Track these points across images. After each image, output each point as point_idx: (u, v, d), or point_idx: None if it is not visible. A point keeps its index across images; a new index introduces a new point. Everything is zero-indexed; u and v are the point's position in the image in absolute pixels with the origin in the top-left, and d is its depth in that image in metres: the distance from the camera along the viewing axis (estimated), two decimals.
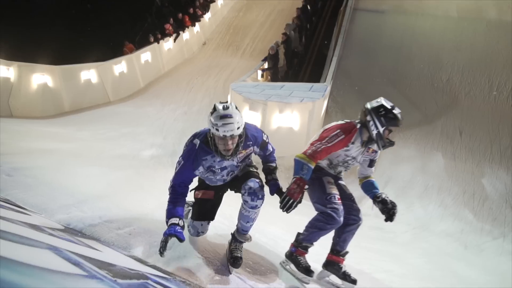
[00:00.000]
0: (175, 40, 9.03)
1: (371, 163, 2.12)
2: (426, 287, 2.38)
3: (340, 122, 2.08)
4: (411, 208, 4.12)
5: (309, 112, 4.37)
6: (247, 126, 1.79)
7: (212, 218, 2.09)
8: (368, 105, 1.94)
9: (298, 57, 8.37)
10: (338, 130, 1.91)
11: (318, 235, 1.95)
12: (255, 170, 1.96)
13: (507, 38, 6.41)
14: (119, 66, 7.59)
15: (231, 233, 2.04)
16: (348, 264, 2.53)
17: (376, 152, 2.07)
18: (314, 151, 1.87)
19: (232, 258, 1.94)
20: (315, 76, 7.38)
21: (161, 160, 4.62)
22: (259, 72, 7.33)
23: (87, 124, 5.97)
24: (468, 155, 4.96)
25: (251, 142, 1.81)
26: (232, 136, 1.62)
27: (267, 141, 1.93)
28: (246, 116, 4.78)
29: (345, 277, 1.97)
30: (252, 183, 1.81)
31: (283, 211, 1.78)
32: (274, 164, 2.01)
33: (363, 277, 2.25)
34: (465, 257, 3.07)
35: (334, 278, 2.07)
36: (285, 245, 2.15)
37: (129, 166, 3.97)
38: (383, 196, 2.04)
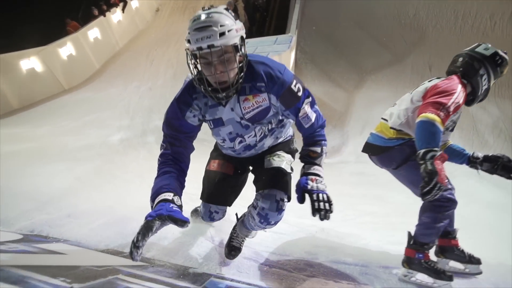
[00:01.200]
0: (123, 9, 8.12)
1: (454, 126, 1.65)
2: (407, 221, 2.48)
3: (441, 78, 1.53)
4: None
5: None
6: (260, 59, 1.19)
7: (228, 203, 1.55)
8: (480, 52, 1.51)
9: (260, 11, 7.81)
10: (458, 84, 1.41)
11: (443, 227, 1.57)
12: (289, 162, 1.39)
13: None
14: (65, 48, 6.80)
15: (236, 214, 1.69)
16: (332, 213, 2.59)
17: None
18: (446, 113, 1.30)
19: (228, 246, 1.66)
20: (280, 29, 6.97)
21: (131, 142, 4.37)
22: None
23: (44, 119, 5.47)
24: None
25: (263, 85, 1.16)
26: (215, 52, 1.01)
27: (300, 94, 1.19)
28: None
29: (471, 259, 1.66)
30: (267, 204, 1.28)
31: (423, 197, 1.23)
32: (317, 148, 1.27)
33: (346, 224, 2.30)
34: None
35: (454, 264, 1.73)
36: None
37: (97, 155, 3.72)
38: (479, 154, 1.68)
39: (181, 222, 0.92)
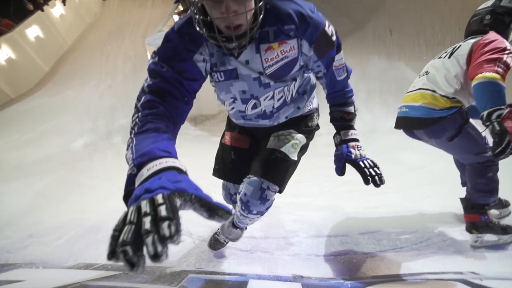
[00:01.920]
0: (63, 1, 7.33)
1: None
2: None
3: (477, 38, 1.43)
4: (360, 115, 4.26)
5: None
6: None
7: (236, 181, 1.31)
8: (507, 5, 1.42)
9: None
10: (503, 39, 1.33)
11: (497, 183, 1.55)
12: (296, 146, 1.16)
13: None
14: (1, 52, 6.11)
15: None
16: (308, 185, 2.60)
17: None
18: (505, 67, 1.23)
19: (212, 238, 1.59)
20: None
21: (96, 146, 4.10)
22: (176, 18, 6.43)
23: None
24: (400, 52, 5.11)
25: (293, 28, 0.90)
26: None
27: (333, 38, 0.97)
28: None
29: (505, 229, 1.58)
30: (249, 190, 1.10)
31: (497, 157, 1.18)
32: (350, 108, 1.13)
33: (323, 197, 2.32)
34: (410, 146, 3.33)
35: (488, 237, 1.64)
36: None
37: (60, 165, 3.46)
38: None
39: (223, 211, 0.51)
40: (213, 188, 1.64)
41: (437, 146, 1.69)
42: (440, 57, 1.59)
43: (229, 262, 1.55)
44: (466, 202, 1.64)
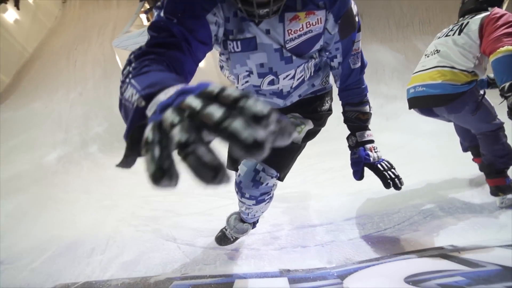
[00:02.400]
0: (16, 5, 6.81)
1: None
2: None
3: (482, 14, 1.51)
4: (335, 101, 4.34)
5: None
6: None
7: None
8: None
9: None
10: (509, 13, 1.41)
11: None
12: (301, 131, 1.08)
13: None
14: None
15: None
16: (291, 176, 2.59)
17: None
18: None
19: (220, 233, 1.57)
20: None
21: (72, 158, 3.92)
22: (144, 17, 6.20)
23: None
24: (372, 36, 5.18)
25: (322, 2, 0.83)
26: None
27: (357, 19, 0.91)
28: None
29: None
30: (243, 171, 1.05)
31: None
32: (365, 107, 1.07)
33: (307, 185, 2.32)
34: (387, 128, 3.41)
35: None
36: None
37: (32, 182, 3.28)
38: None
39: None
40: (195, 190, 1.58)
41: (453, 121, 1.78)
42: (447, 35, 1.65)
43: (216, 263, 1.52)
44: (489, 169, 1.72)
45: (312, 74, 1.05)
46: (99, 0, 8.11)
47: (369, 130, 1.09)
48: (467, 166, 2.10)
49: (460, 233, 1.57)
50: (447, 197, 1.90)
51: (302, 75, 1.00)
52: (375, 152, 1.06)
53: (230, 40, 0.87)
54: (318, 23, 0.85)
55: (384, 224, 1.69)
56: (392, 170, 1.02)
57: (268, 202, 1.18)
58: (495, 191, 1.70)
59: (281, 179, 1.12)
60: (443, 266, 1.12)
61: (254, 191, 1.07)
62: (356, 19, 0.91)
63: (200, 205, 2.20)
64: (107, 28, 7.16)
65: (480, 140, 1.73)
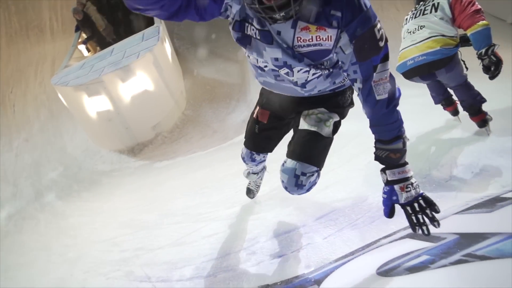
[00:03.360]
0: None
1: None
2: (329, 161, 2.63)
3: None
4: None
5: (153, 63, 3.78)
6: None
7: (266, 151, 1.53)
8: None
9: (120, 8, 6.91)
10: None
11: None
12: (329, 124, 1.13)
13: None
14: None
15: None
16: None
17: None
18: (484, 15, 1.80)
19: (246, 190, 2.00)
20: (152, 19, 6.34)
21: (25, 213, 3.55)
22: (83, 48, 5.88)
23: None
24: None
25: (339, 15, 0.82)
26: None
27: (381, 44, 0.87)
28: (92, 105, 3.89)
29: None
30: (285, 178, 1.14)
31: (493, 79, 1.75)
32: (398, 144, 0.98)
33: (274, 193, 2.29)
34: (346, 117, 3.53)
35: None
36: None
37: None
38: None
39: None
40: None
41: (445, 80, 2.12)
42: (424, 14, 2.02)
43: None
44: (472, 109, 2.10)
45: (331, 72, 1.04)
46: (29, 35, 7.54)
47: (403, 166, 1.00)
48: (422, 143, 2.22)
49: None
50: None
51: (319, 72, 1.01)
52: (407, 191, 0.98)
53: (249, 23, 0.93)
54: (328, 40, 0.86)
55: (356, 215, 1.70)
56: (426, 211, 0.97)
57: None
58: (482, 124, 2.11)
59: (319, 171, 1.19)
60: (410, 247, 1.14)
61: (301, 190, 1.17)
62: (381, 44, 0.86)
63: (170, 236, 2.08)
64: (45, 64, 6.69)
65: (458, 91, 2.13)
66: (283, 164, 1.19)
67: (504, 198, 1.37)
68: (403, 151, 0.99)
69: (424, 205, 0.98)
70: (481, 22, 1.76)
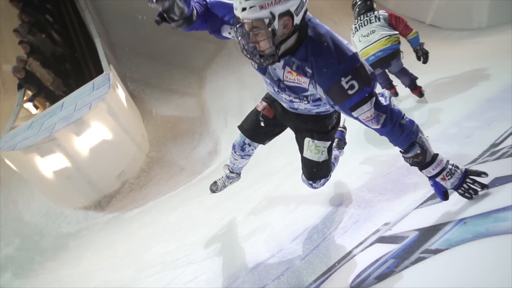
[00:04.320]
0: None
1: None
2: (294, 183, 2.67)
3: (382, 12, 2.74)
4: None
5: (108, 112, 3.69)
6: (323, 38, 1.04)
7: (262, 142, 1.74)
8: None
9: (67, 60, 6.74)
10: None
11: None
12: (324, 152, 1.49)
13: None
14: None
15: None
16: (229, 212, 2.50)
17: None
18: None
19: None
20: (101, 67, 6.23)
21: None
22: (30, 105, 5.60)
23: None
24: None
25: (309, 72, 1.07)
26: (244, 18, 1.00)
27: (351, 92, 1.01)
28: (47, 166, 3.65)
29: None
30: (304, 182, 1.65)
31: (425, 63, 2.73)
32: (415, 151, 1.12)
33: (246, 223, 2.27)
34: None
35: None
36: None
37: None
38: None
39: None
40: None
41: (393, 68, 2.75)
42: (371, 23, 2.70)
43: None
44: (414, 85, 2.78)
45: (314, 103, 1.29)
46: None
47: (434, 162, 1.12)
48: (375, 146, 2.35)
49: (388, 207, 1.69)
50: (370, 177, 2.07)
51: (300, 101, 1.28)
52: (449, 179, 1.11)
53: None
54: (305, 83, 1.14)
55: (328, 228, 1.73)
56: (474, 186, 1.09)
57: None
58: (420, 95, 2.82)
59: (328, 177, 1.65)
60: (379, 252, 1.17)
61: (318, 188, 1.67)
62: (350, 92, 1.02)
63: None
64: None
65: (400, 74, 2.78)
66: (302, 176, 1.65)
67: None
68: (423, 153, 1.11)
69: (470, 182, 1.10)
70: (414, 31, 2.63)
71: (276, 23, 0.98)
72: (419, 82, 2.82)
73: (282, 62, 1.13)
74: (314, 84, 1.11)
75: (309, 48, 1.06)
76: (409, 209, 1.49)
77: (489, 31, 4.64)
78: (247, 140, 1.72)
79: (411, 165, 1.18)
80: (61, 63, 6.51)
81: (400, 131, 1.10)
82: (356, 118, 1.11)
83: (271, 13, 0.96)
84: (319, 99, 1.24)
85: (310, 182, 1.60)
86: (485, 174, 1.09)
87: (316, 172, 1.57)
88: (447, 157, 1.15)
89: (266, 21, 0.98)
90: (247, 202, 2.38)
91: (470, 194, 1.10)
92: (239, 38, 1.07)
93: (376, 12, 2.71)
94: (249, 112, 1.70)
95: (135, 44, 5.86)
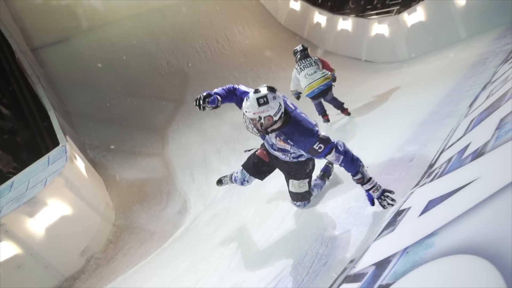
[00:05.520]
0: None
1: None
2: (268, 224, 2.67)
3: (315, 57, 3.84)
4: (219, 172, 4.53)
5: (66, 186, 3.49)
6: (297, 125, 1.79)
7: (261, 179, 2.33)
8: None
9: (17, 132, 6.42)
10: None
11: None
12: (305, 186, 2.18)
13: (187, 14, 7.69)
14: None
15: None
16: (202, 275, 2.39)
17: None
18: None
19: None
20: (57, 139, 6.02)
21: None
22: None
23: None
24: (221, 108, 5.81)
25: (291, 144, 1.83)
26: (248, 116, 1.77)
27: (320, 150, 1.75)
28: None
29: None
30: (291, 200, 2.30)
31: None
32: (358, 176, 1.79)
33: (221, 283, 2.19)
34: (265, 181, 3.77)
35: None
36: None
37: None
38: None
39: (209, 97, 1.86)
40: None
41: (328, 97, 3.80)
42: (311, 66, 3.76)
43: None
44: (342, 108, 3.90)
45: (294, 156, 2.00)
46: None
47: (369, 181, 1.79)
48: (334, 186, 2.48)
49: (352, 242, 1.76)
50: (333, 214, 2.15)
51: (284, 154, 2.01)
52: (376, 191, 1.79)
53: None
54: (288, 148, 1.87)
55: (300, 275, 1.73)
56: (387, 199, 1.77)
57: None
58: (348, 114, 3.93)
59: (309, 200, 2.29)
60: None
61: (301, 207, 2.32)
62: (320, 150, 1.74)
63: None
64: None
65: (332, 101, 3.85)
66: (298, 204, 2.29)
67: (401, 211, 1.60)
68: (363, 176, 1.79)
69: (386, 194, 1.78)
70: (333, 70, 3.89)
71: (262, 120, 1.76)
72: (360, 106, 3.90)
73: (275, 134, 1.86)
74: (296, 149, 1.84)
75: (291, 127, 1.79)
76: (369, 242, 1.56)
77: (412, 61, 5.41)
78: (248, 177, 2.32)
79: (356, 183, 1.83)
80: (10, 136, 6.19)
81: (351, 164, 1.79)
82: (326, 158, 1.81)
83: (259, 116, 1.74)
84: (300, 155, 1.97)
85: (295, 203, 2.27)
86: (393, 192, 1.79)
87: (299, 198, 2.23)
88: (400, 183, 1.90)
89: (257, 119, 1.76)
90: (220, 260, 2.30)
91: (384, 204, 1.77)
92: (244, 121, 1.83)
93: (311, 58, 3.80)
94: (249, 155, 2.32)
95: (93, 110, 5.85)
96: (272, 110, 1.70)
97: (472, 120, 1.98)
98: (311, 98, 3.79)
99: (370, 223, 1.83)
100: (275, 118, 1.73)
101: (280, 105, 1.73)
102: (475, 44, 4.30)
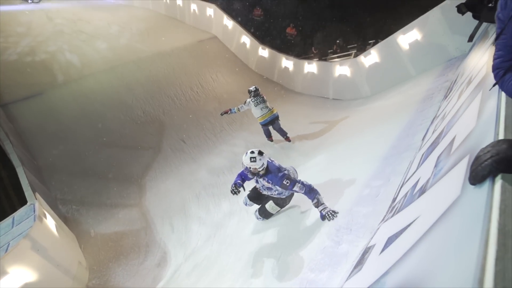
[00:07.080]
0: None
1: None
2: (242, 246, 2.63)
3: None
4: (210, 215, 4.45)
5: (32, 248, 3.26)
6: (272, 175, 2.78)
7: (258, 204, 3.23)
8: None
9: None
10: None
11: None
12: (276, 210, 3.14)
13: (162, 65, 8.08)
14: None
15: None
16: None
17: None
18: None
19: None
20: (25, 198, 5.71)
21: None
22: None
23: None
24: (198, 153, 5.89)
25: (271, 182, 2.80)
26: (246, 167, 2.80)
27: (288, 185, 2.68)
28: None
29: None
30: (256, 213, 3.25)
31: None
32: (314, 201, 2.64)
33: None
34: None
35: None
36: None
37: None
38: None
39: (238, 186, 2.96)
40: None
41: (275, 125, 5.02)
42: (263, 102, 4.95)
43: None
44: (284, 135, 5.08)
45: (277, 192, 2.99)
46: None
47: (322, 205, 2.63)
48: (308, 227, 2.55)
49: (328, 283, 1.80)
50: (309, 255, 2.19)
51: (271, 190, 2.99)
52: (325, 210, 2.59)
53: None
54: (271, 186, 2.85)
55: None
56: (332, 214, 2.55)
57: None
58: (289, 140, 5.12)
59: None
60: None
61: (262, 220, 3.29)
62: (288, 184, 2.69)
63: None
64: None
65: (279, 130, 5.05)
66: (255, 212, 3.28)
67: (368, 248, 1.69)
68: (317, 201, 2.63)
69: (331, 211, 2.57)
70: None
71: (251, 169, 2.78)
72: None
73: (262, 178, 2.82)
74: (274, 186, 2.80)
75: (270, 173, 2.79)
76: (342, 283, 1.62)
77: (373, 98, 5.92)
78: (249, 202, 3.24)
79: (314, 206, 2.65)
80: None
81: (309, 192, 2.66)
82: (293, 190, 2.72)
83: (250, 167, 2.77)
84: (282, 193, 2.95)
85: (259, 217, 3.20)
86: (337, 211, 2.57)
87: (265, 215, 3.17)
88: (368, 219, 2.19)
89: (249, 168, 2.79)
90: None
91: (329, 217, 2.52)
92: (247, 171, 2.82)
93: (262, 96, 5.02)
94: (252, 194, 3.21)
95: (66, 164, 5.69)
96: (258, 165, 2.73)
97: (423, 154, 2.21)
98: (263, 125, 5.02)
99: (342, 263, 1.89)
100: (260, 170, 2.76)
101: (263, 164, 2.75)
102: (422, 80, 4.84)
